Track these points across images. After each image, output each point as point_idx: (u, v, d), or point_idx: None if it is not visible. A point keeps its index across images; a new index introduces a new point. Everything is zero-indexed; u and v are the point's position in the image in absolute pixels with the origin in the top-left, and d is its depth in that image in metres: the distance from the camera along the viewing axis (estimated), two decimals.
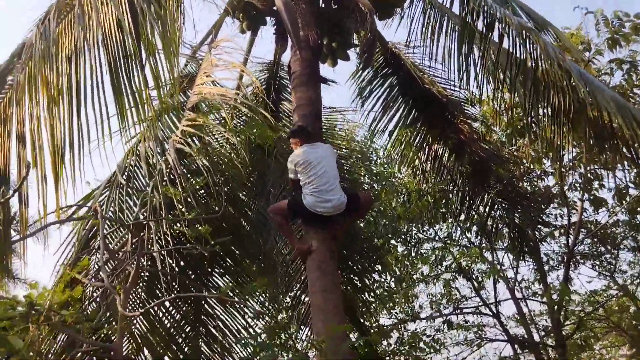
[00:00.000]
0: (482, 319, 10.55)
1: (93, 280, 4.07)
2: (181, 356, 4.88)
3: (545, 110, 6.08)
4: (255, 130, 5.08)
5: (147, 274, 4.79)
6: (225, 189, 5.12)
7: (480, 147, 8.07)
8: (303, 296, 6.45)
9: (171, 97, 6.04)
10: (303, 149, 5.07)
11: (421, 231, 10.14)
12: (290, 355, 3.50)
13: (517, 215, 8.67)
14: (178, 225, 4.31)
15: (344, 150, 8.28)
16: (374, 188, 8.88)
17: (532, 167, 9.49)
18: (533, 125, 8.29)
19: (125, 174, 5.59)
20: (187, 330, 5.00)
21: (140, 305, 4.87)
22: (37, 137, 3.26)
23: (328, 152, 5.19)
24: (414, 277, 10.18)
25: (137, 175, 5.73)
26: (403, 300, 9.14)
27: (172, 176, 4.80)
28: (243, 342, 3.56)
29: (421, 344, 9.75)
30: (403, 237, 9.87)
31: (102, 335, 4.03)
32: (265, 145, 5.42)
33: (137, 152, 5.62)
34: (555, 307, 9.06)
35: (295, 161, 5.02)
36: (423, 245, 10.29)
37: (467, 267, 9.71)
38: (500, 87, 6.69)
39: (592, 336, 10.77)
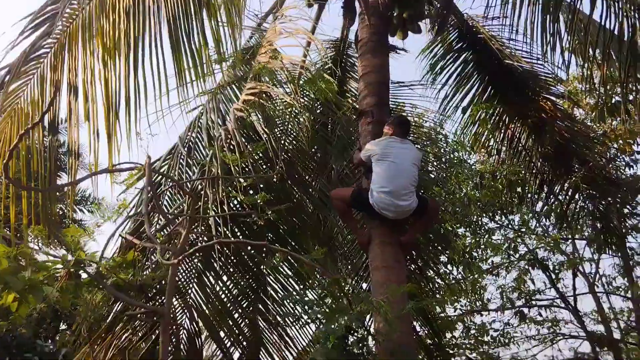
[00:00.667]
0: (557, 314, 9.85)
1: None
2: (237, 331, 4.73)
3: None
4: (319, 84, 4.69)
5: (202, 243, 4.65)
6: (285, 157, 4.84)
7: (564, 126, 7.39)
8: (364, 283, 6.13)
9: (234, 68, 5.89)
10: (391, 140, 4.61)
11: (493, 219, 9.54)
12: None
13: (603, 203, 7.94)
14: (235, 194, 4.10)
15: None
16: (442, 175, 8.37)
17: (621, 150, 8.66)
18: (627, 101, 7.54)
19: (187, 146, 5.49)
20: (244, 305, 4.84)
21: (196, 275, 4.75)
22: (90, 89, 3.13)
23: (413, 154, 4.70)
24: (483, 268, 9.62)
25: (198, 147, 5.62)
26: (470, 291, 8.60)
27: (231, 146, 4.64)
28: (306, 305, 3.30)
29: (487, 338, 9.25)
30: (473, 225, 9.32)
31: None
32: (330, 101, 5.02)
33: (199, 124, 5.52)
34: None
35: (376, 149, 4.57)
36: (494, 235, 9.68)
37: (543, 258, 9.02)
38: (591, 59, 6.09)
39: None
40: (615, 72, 6.21)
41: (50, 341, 7.67)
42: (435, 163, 8.45)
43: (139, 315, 3.95)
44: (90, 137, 3.12)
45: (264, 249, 4.74)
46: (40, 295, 2.60)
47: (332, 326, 2.93)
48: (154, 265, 4.03)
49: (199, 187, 4.40)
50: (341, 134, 6.75)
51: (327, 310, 3.20)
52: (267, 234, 5.07)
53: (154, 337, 4.47)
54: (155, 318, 3.60)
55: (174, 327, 4.24)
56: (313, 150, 6.69)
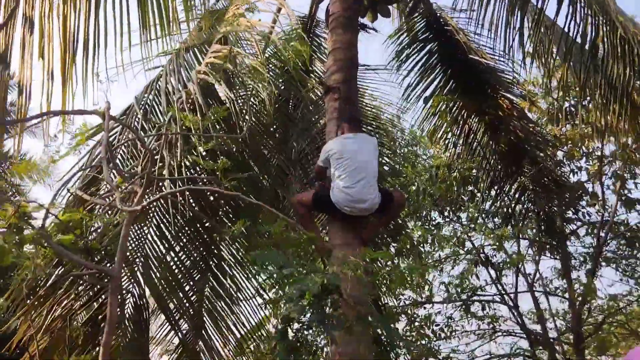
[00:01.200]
0: (497, 311, 10.11)
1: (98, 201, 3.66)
2: (187, 303, 4.51)
3: (601, 83, 5.64)
4: (289, 45, 4.52)
5: (157, 212, 4.41)
6: (248, 124, 4.66)
7: (519, 125, 7.58)
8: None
9: (200, 30, 5.64)
10: (342, 139, 4.53)
11: (442, 214, 9.68)
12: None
13: (548, 205, 8.22)
14: (193, 158, 3.89)
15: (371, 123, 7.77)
16: (396, 167, 8.40)
17: (569, 155, 8.99)
18: (581, 107, 7.82)
19: (143, 108, 5.20)
20: (196, 277, 4.63)
21: (150, 244, 4.50)
22: (47, 24, 2.85)
23: (371, 146, 4.61)
24: (430, 262, 9.75)
25: (154, 110, 5.34)
26: (417, 283, 8.68)
27: (191, 109, 4.42)
28: (259, 259, 3.15)
29: (429, 331, 9.39)
30: (423, 219, 9.43)
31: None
32: (298, 68, 4.85)
33: (157, 86, 5.24)
34: (578, 303, 8.59)
35: (332, 150, 4.46)
36: (443, 230, 9.83)
37: (487, 255, 9.24)
38: (551, 62, 6.27)
39: (610, 340, 10.28)
40: (573, 78, 6.44)
41: None
42: (389, 155, 8.49)
43: (84, 278, 3.66)
44: (44, 77, 2.84)
45: (218, 218, 4.54)
46: None
47: (308, 284, 2.79)
48: (101, 228, 3.77)
49: (155, 150, 4.15)
50: (304, 112, 6.64)
51: (301, 269, 3.06)
52: (224, 207, 4.87)
53: (96, 304, 4.20)
54: (104, 280, 3.34)
55: (122, 292, 3.97)
56: (274, 127, 6.54)
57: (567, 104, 8.27)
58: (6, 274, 7.90)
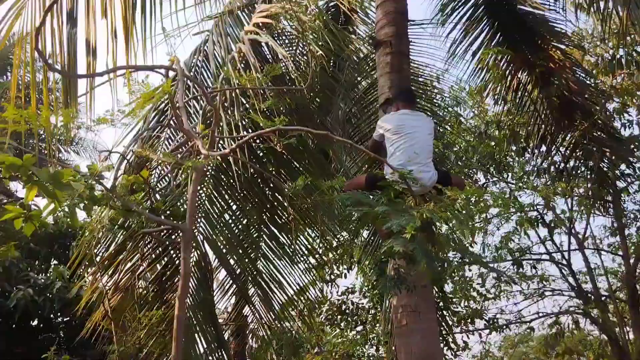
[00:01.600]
0: (546, 272, 9.95)
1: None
2: (246, 260, 4.60)
3: None
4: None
5: (213, 172, 4.46)
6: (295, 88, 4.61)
7: (572, 77, 7.28)
8: None
9: None
10: (401, 113, 4.36)
11: (488, 175, 9.49)
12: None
13: (602, 160, 7.95)
14: (250, 117, 3.89)
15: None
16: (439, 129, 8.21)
17: (621, 108, 8.63)
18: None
19: (192, 71, 5.22)
20: (254, 235, 4.70)
21: (207, 201, 4.57)
22: None
23: (427, 125, 4.46)
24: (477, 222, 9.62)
25: (203, 74, 5.35)
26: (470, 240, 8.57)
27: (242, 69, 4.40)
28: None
29: (476, 292, 9.35)
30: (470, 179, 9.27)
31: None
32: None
33: (205, 49, 5.24)
34: (633, 259, 8.37)
35: (388, 124, 4.30)
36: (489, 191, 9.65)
37: (539, 212, 9.05)
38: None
39: None
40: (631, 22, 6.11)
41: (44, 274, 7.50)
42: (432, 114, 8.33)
43: (152, 237, 3.76)
44: (108, 36, 2.86)
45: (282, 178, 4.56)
46: (67, 192, 2.39)
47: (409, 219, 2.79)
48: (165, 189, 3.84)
49: (213, 110, 4.16)
50: (349, 72, 6.55)
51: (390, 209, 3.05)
52: (279, 167, 4.90)
53: (159, 266, 4.33)
54: (172, 237, 3.42)
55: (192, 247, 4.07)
56: (318, 88, 6.49)
57: (621, 53, 7.90)
58: (65, 242, 8.25)
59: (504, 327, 9.73)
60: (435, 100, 7.91)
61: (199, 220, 4.52)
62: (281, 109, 5.21)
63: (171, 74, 3.57)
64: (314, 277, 6.01)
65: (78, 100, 3.04)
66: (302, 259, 5.26)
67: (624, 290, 9.11)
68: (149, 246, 4.16)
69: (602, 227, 10.33)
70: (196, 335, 4.21)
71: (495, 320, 9.48)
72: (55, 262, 8.16)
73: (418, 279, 4.11)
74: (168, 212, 3.98)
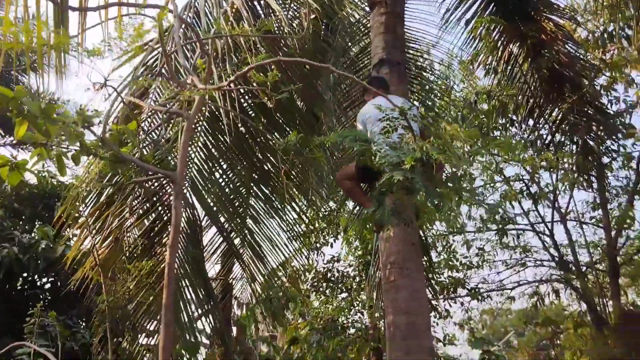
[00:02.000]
0: (529, 243, 10.14)
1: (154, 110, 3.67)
2: (235, 216, 4.61)
3: None
4: None
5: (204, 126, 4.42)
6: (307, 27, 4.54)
7: (563, 50, 7.30)
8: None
9: None
10: (377, 101, 4.18)
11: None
12: None
13: (589, 134, 8.05)
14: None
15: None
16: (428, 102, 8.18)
17: (609, 84, 8.70)
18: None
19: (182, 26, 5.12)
20: (244, 194, 4.70)
21: (201, 152, 4.54)
22: None
23: (413, 112, 4.14)
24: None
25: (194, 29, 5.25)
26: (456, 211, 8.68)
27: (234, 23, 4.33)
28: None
29: (458, 262, 9.51)
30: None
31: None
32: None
33: (196, 4, 5.14)
34: (614, 232, 8.55)
35: (366, 115, 4.17)
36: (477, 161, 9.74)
37: (526, 183, 9.17)
38: None
39: None
40: None
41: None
42: (420, 85, 8.30)
43: (140, 190, 3.74)
44: None
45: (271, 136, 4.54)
46: (57, 128, 2.35)
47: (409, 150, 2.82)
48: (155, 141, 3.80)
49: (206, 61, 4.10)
50: (341, 36, 6.48)
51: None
52: (269, 128, 4.87)
53: (149, 220, 4.32)
54: (163, 188, 3.40)
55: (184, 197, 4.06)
56: (310, 49, 6.43)
57: (612, 27, 7.93)
58: (50, 203, 8.17)
59: (486, 296, 9.93)
60: (426, 71, 7.90)
61: (189, 176, 4.50)
62: (273, 66, 5.16)
63: (165, 24, 3.50)
64: (301, 244, 6.06)
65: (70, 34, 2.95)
66: (290, 226, 5.28)
67: (604, 261, 9.33)
68: (137, 200, 4.13)
69: (584, 202, 10.49)
70: (186, 289, 4.23)
71: (477, 289, 9.68)
72: (39, 222, 8.09)
73: (407, 236, 4.18)
74: (158, 166, 3.96)
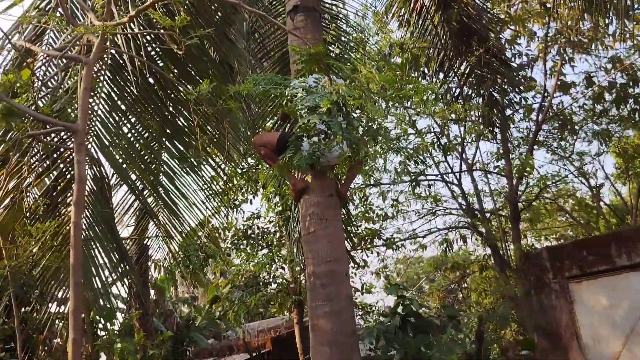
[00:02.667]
0: (439, 194, 10.61)
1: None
2: (147, 173, 4.38)
3: None
4: None
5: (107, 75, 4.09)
6: None
7: (471, 2, 7.51)
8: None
9: None
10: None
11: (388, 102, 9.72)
12: None
13: (494, 87, 8.44)
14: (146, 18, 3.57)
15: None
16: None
17: (513, 37, 9.13)
18: None
19: None
20: (156, 148, 4.45)
21: (105, 104, 4.22)
22: None
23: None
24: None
25: None
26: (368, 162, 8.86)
27: None
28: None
29: (375, 213, 9.81)
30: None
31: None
32: None
33: None
34: (515, 179, 9.15)
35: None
36: (389, 115, 9.94)
37: (436, 135, 9.50)
38: None
39: (542, 212, 11.18)
40: None
41: None
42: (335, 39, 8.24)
43: (40, 145, 3.41)
44: None
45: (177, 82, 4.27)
46: None
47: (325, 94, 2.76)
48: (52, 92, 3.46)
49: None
50: None
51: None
52: (179, 77, 4.60)
53: (50, 179, 3.99)
54: (65, 142, 3.12)
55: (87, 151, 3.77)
56: None
57: None
58: None
59: (400, 245, 10.37)
60: (341, 20, 7.82)
61: (93, 131, 4.19)
62: (181, 10, 4.86)
63: None
64: (220, 202, 5.91)
65: None
66: (207, 184, 5.10)
67: (507, 208, 10.00)
68: (36, 157, 3.80)
69: (489, 152, 11.12)
70: (97, 252, 4.00)
71: (392, 239, 10.07)
72: None
73: (325, 187, 4.20)
74: (56, 119, 3.63)
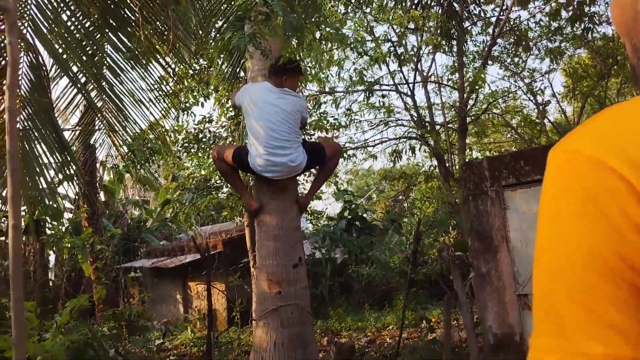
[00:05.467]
0: (392, 104, 10.71)
1: None
2: (90, 66, 4.19)
3: None
4: None
5: None
6: None
7: None
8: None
9: None
10: (267, 88, 3.97)
11: (349, 4, 9.44)
12: None
13: None
14: None
15: None
16: None
17: None
18: None
19: None
20: (98, 40, 4.22)
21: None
22: None
23: (292, 104, 3.97)
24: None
25: None
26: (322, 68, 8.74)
27: None
28: None
29: (330, 120, 9.85)
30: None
31: None
32: None
33: None
34: (466, 93, 9.31)
35: (245, 96, 4.01)
36: (347, 20, 9.70)
37: (393, 44, 9.41)
38: None
39: (487, 127, 11.53)
40: None
41: None
42: None
43: None
44: None
45: None
46: None
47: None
48: None
49: None
50: None
51: None
52: None
53: None
54: None
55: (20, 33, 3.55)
56: None
57: None
58: None
59: (352, 154, 10.56)
60: None
61: (28, 15, 3.90)
62: None
63: None
64: (169, 104, 5.77)
65: None
66: (157, 84, 4.93)
67: (456, 122, 10.25)
68: None
69: (444, 66, 11.16)
70: (36, 141, 3.89)
71: (344, 149, 10.22)
72: None
73: (285, 208, 4.25)
74: None
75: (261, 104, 3.92)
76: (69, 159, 4.00)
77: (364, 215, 7.79)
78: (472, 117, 10.43)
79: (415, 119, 10.13)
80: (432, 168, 10.86)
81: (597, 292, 0.53)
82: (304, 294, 4.11)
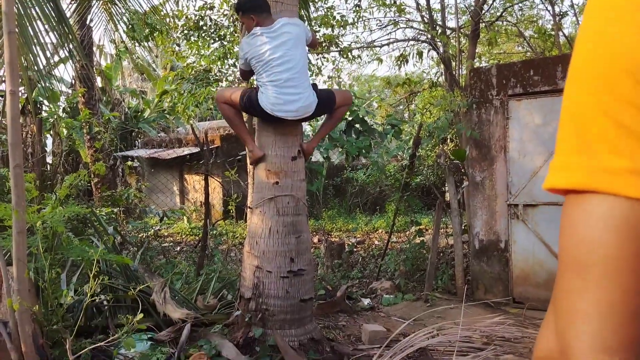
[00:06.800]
0: (404, 2, 10.21)
1: None
2: None
3: None
4: None
5: None
6: None
7: None
8: None
9: None
10: (259, 36, 3.76)
11: None
12: None
13: None
14: None
15: None
16: None
17: None
18: None
19: None
20: None
21: None
22: None
23: (293, 33, 3.79)
24: None
25: None
26: None
27: None
28: None
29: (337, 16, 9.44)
30: None
31: None
32: None
33: None
34: None
35: (248, 53, 3.81)
36: None
37: None
38: None
39: (500, 36, 11.15)
40: None
41: None
42: None
43: None
44: None
45: None
46: None
47: None
48: None
49: None
50: None
51: None
52: None
53: None
54: None
55: None
56: None
57: None
58: None
59: (357, 55, 10.26)
60: None
61: None
62: None
63: None
64: None
65: None
66: None
67: (468, 27, 9.85)
68: None
69: None
70: (37, 25, 3.71)
71: (349, 48, 9.89)
72: None
73: (289, 145, 4.09)
74: None
75: (270, 44, 3.74)
76: (67, 30, 3.85)
77: (365, 117, 7.71)
78: (486, 24, 10.01)
79: (427, 20, 9.73)
80: (438, 75, 10.62)
81: (619, 94, 0.50)
82: (300, 186, 4.16)
